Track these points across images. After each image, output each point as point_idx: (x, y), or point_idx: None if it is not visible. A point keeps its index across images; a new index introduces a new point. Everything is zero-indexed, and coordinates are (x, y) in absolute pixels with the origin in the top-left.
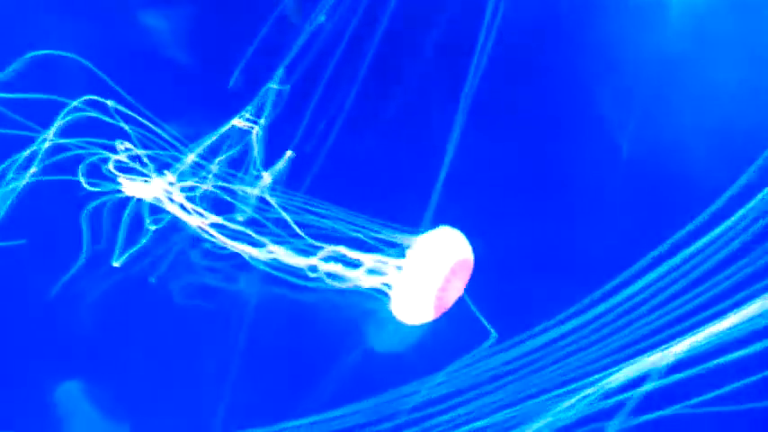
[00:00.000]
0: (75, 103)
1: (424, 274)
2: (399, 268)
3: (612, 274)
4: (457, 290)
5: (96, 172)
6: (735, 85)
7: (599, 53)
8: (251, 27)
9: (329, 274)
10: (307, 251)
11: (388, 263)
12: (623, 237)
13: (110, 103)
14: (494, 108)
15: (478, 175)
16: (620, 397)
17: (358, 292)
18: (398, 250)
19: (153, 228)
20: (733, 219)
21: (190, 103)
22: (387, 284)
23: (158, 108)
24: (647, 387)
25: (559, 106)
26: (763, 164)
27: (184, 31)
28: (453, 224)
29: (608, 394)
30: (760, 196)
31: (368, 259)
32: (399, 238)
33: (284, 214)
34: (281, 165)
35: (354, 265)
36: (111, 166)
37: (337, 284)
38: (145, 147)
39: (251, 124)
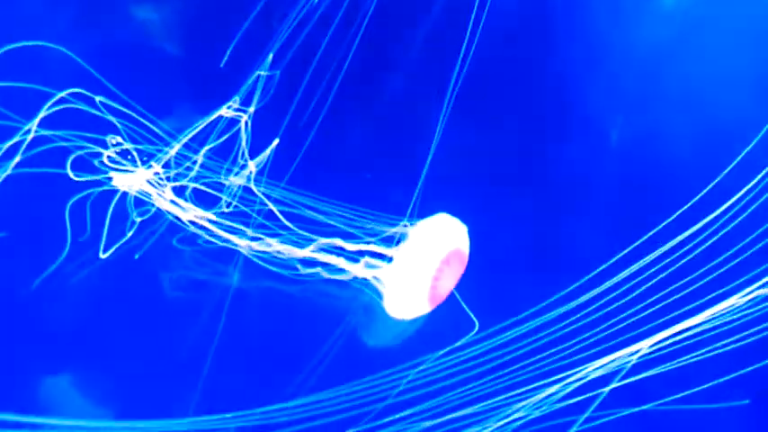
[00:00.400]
0: (61, 95)
1: (418, 264)
2: (391, 259)
3: (598, 263)
4: (451, 280)
5: (81, 164)
6: (723, 75)
7: (587, 42)
8: (239, 17)
9: (319, 266)
10: (295, 242)
11: (378, 254)
12: (611, 226)
13: (98, 98)
14: (481, 97)
15: (465, 165)
16: (597, 391)
17: (348, 284)
18: (389, 241)
19: (139, 220)
20: (720, 210)
21: (177, 96)
22: (378, 277)
23: (145, 100)
24: (623, 381)
25: (548, 96)
26: (750, 154)
27: (172, 21)
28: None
29: (587, 385)
30: (747, 187)
31: (358, 250)
32: (389, 228)
33: (271, 205)
34: (266, 153)
35: (344, 256)
36: (104, 158)
37: (327, 275)
38: (131, 138)
39: (239, 113)
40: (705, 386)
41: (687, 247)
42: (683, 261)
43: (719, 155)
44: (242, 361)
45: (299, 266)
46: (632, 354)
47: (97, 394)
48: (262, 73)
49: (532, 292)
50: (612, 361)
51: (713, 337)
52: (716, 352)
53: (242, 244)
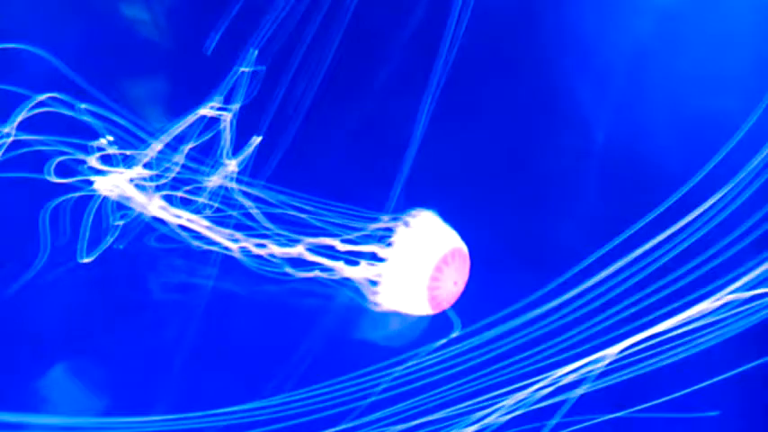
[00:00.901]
0: (40, 98)
1: (417, 264)
2: (381, 259)
3: (574, 265)
4: (455, 284)
5: (62, 167)
6: (708, 74)
7: (573, 42)
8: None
9: (303, 265)
10: (279, 241)
11: (363, 252)
12: (597, 225)
13: (83, 105)
14: (466, 95)
15: (448, 162)
16: (565, 396)
17: (332, 283)
18: (373, 239)
19: (120, 223)
20: (693, 215)
21: (158, 95)
22: (367, 276)
23: (125, 101)
24: (592, 387)
25: (533, 93)
26: (727, 157)
27: (153, 20)
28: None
29: (556, 391)
30: (729, 186)
31: (345, 249)
32: (372, 226)
33: (250, 204)
34: (248, 152)
35: (329, 255)
36: (90, 161)
37: (310, 275)
38: (111, 140)
39: (221, 112)
40: (674, 395)
41: (662, 251)
42: (656, 264)
43: (703, 156)
44: (222, 360)
45: (282, 265)
46: (600, 360)
47: (79, 393)
48: (244, 69)
49: (509, 292)
50: (582, 366)
51: (684, 344)
52: (688, 353)
53: (224, 244)
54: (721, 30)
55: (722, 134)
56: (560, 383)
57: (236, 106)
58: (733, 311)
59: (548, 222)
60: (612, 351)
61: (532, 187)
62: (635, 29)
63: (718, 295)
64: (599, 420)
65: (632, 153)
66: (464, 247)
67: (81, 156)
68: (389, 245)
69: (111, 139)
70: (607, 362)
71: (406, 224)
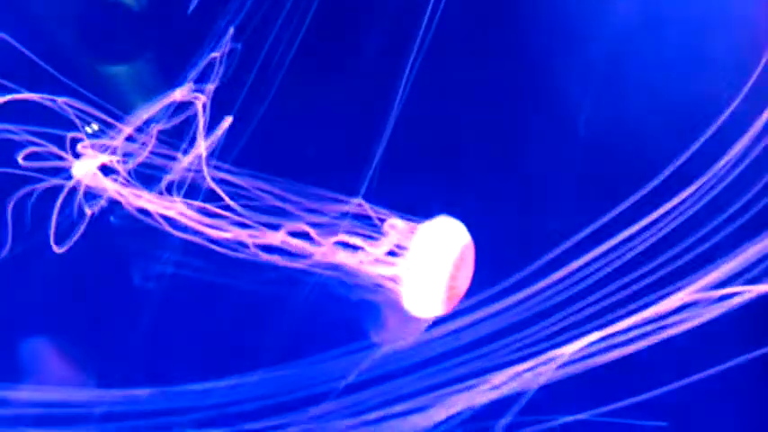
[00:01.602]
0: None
1: (432, 264)
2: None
3: (565, 251)
4: (466, 276)
5: (32, 156)
6: (691, 61)
7: (555, 29)
8: None
9: (273, 251)
10: (259, 228)
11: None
12: (578, 214)
13: (61, 99)
14: (444, 84)
15: (427, 151)
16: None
17: (305, 270)
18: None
19: (90, 211)
20: (682, 196)
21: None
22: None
23: (93, 86)
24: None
25: (513, 81)
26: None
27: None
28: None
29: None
30: (709, 174)
31: (321, 236)
32: (344, 208)
33: (217, 188)
34: (218, 134)
35: (310, 242)
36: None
37: (287, 262)
38: (84, 126)
39: (195, 94)
40: (622, 403)
41: (657, 228)
42: (621, 260)
43: (684, 142)
44: (194, 347)
45: (258, 252)
46: (552, 359)
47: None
48: (215, 54)
49: (479, 283)
50: (532, 368)
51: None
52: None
53: (198, 230)
54: (703, 15)
55: (703, 121)
56: (516, 381)
57: (210, 87)
58: (689, 314)
59: (524, 211)
60: (568, 350)
61: (509, 174)
62: (616, 13)
63: (679, 294)
64: (544, 424)
65: (613, 140)
66: (470, 239)
67: (53, 144)
68: (398, 246)
69: (96, 128)
70: (559, 362)
71: (403, 219)
